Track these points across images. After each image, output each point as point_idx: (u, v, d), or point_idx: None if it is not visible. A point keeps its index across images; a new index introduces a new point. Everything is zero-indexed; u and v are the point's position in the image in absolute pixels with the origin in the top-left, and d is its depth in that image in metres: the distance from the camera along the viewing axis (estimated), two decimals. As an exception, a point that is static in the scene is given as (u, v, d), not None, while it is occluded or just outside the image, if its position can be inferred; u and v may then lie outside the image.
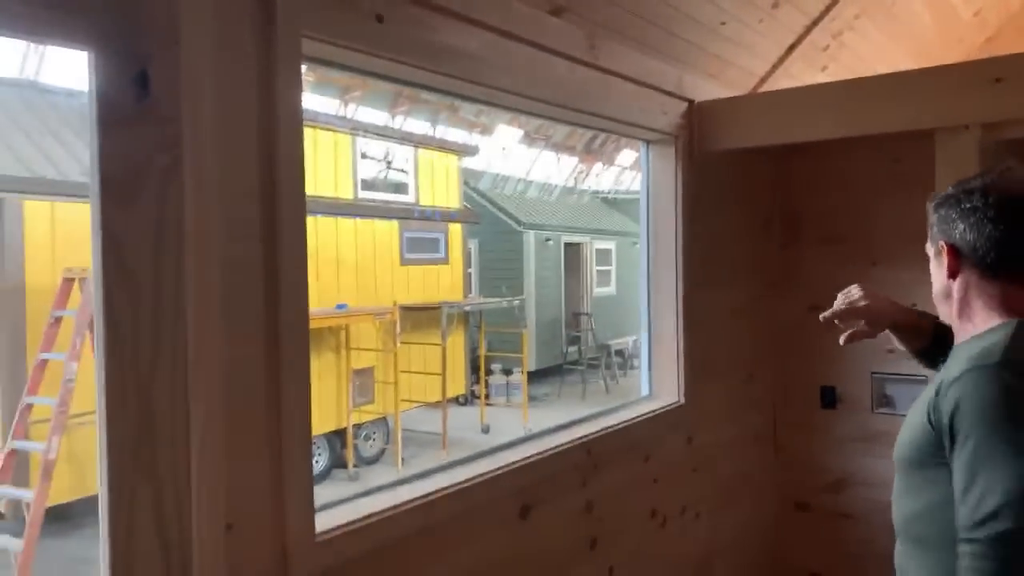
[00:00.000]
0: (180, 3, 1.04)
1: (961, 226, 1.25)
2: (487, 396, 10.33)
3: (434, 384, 8.61)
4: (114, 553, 1.04)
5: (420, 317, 8.71)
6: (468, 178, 12.59)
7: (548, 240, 13.11)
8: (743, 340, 2.82)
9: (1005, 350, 1.14)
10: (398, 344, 8.00)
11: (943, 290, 1.31)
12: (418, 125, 15.50)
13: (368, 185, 8.59)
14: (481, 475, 1.63)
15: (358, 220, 8.21)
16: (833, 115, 2.28)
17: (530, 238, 12.66)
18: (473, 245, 12.37)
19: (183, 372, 1.06)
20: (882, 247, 2.82)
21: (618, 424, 2.15)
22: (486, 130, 17.40)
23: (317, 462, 7.67)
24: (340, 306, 7.52)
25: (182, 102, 1.04)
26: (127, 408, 1.03)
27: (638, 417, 2.26)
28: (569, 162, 20.28)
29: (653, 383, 2.49)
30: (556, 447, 1.87)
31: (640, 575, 2.22)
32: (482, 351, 10.15)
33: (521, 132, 18.23)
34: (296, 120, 1.24)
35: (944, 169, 2.20)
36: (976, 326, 1.25)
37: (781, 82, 2.80)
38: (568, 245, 13.76)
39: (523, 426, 9.09)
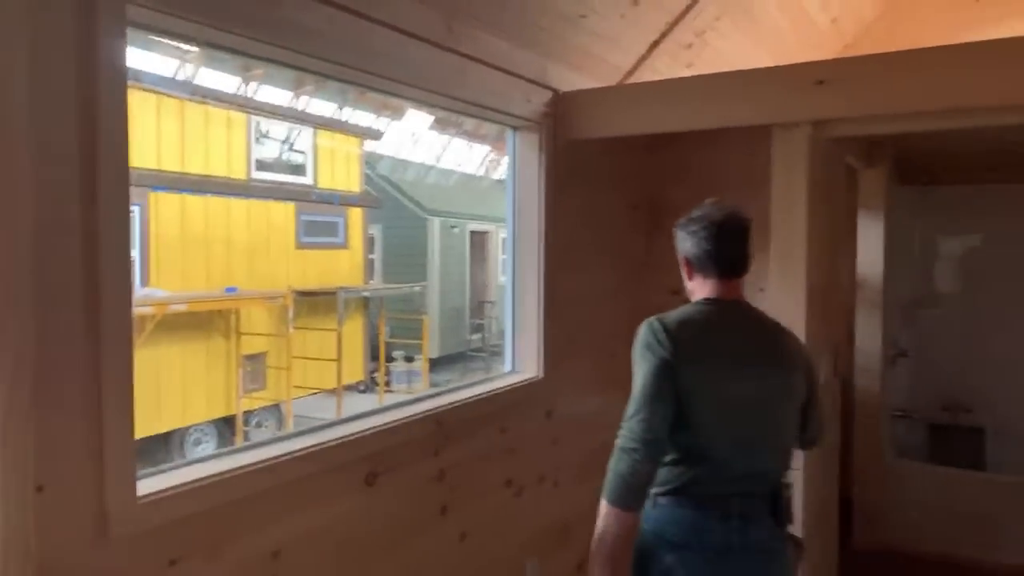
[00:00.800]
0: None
1: (688, 244, 1.73)
2: (388, 383, 10.30)
3: (330, 370, 8.53)
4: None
5: (316, 302, 8.58)
6: (374, 162, 12.46)
7: (453, 227, 13.15)
8: (607, 320, 2.96)
9: (670, 312, 1.66)
10: (291, 329, 7.87)
11: (686, 288, 1.79)
12: (324, 106, 15.16)
13: (264, 166, 8.38)
14: (322, 443, 1.68)
15: (252, 201, 8.00)
16: (686, 109, 2.43)
17: (435, 225, 12.65)
18: (376, 231, 12.25)
19: (-15, 331, 1.06)
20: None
21: (472, 397, 2.23)
22: (396, 113, 17.20)
23: (203, 449, 7.46)
24: (230, 289, 7.33)
25: (-16, 58, 1.03)
26: (-79, 365, 1.02)
27: (496, 390, 2.35)
28: (480, 150, 20.35)
29: (515, 359, 2.59)
30: (405, 418, 1.94)
31: (494, 540, 2.32)
32: (382, 337, 10.10)
33: (432, 118, 18.13)
34: (119, 84, 1.24)
35: (780, 162, 2.40)
36: None
37: (646, 77, 2.94)
38: (474, 233, 13.84)
39: (421, 412, 9.12)
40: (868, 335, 3.76)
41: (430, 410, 2.03)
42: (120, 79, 1.24)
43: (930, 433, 4.18)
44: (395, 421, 1.90)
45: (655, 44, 2.81)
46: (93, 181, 1.21)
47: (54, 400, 1.18)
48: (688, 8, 2.74)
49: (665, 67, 3.00)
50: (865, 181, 3.72)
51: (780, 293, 2.40)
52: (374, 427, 1.83)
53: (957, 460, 3.91)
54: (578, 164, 2.73)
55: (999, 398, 3.82)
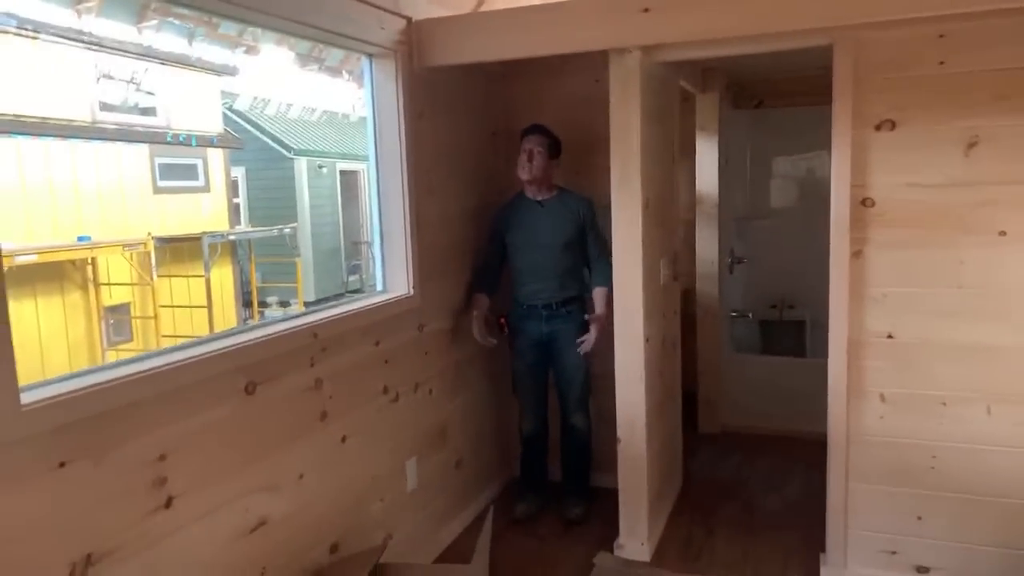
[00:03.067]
0: None
1: None
2: (263, 328, 10.14)
3: (201, 317, 8.32)
4: None
5: (180, 248, 8.28)
6: (231, 100, 11.87)
7: (321, 167, 12.85)
8: (471, 241, 3.16)
9: None
10: (155, 277, 7.58)
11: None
12: (172, 41, 14.13)
13: (111, 108, 7.85)
14: (202, 354, 1.79)
15: (99, 145, 7.51)
16: (531, 36, 2.61)
17: (302, 165, 12.32)
18: (240, 173, 11.79)
19: None
20: (588, 158, 3.29)
21: (346, 312, 2.39)
22: (251, 50, 16.28)
23: (70, 406, 7.16)
24: (82, 238, 6.94)
25: None
26: None
27: (368, 306, 2.51)
28: (345, 86, 19.68)
29: (386, 279, 2.76)
30: (280, 331, 2.07)
31: (374, 442, 2.52)
32: (254, 282, 9.90)
33: (293, 54, 17.28)
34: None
35: (616, 85, 2.64)
36: None
37: (498, 3, 3.09)
38: (344, 173, 13.58)
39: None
40: (707, 245, 4.19)
41: (306, 324, 2.18)
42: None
43: (761, 329, 4.75)
44: (272, 334, 2.03)
45: (504, -28, 2.95)
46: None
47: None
48: (534, -63, 2.88)
49: (514, -4, 3.14)
50: (701, 105, 4.08)
51: (619, 205, 2.68)
52: (251, 339, 1.96)
53: (783, 351, 4.49)
54: (437, 93, 2.87)
55: (816, 295, 4.39)
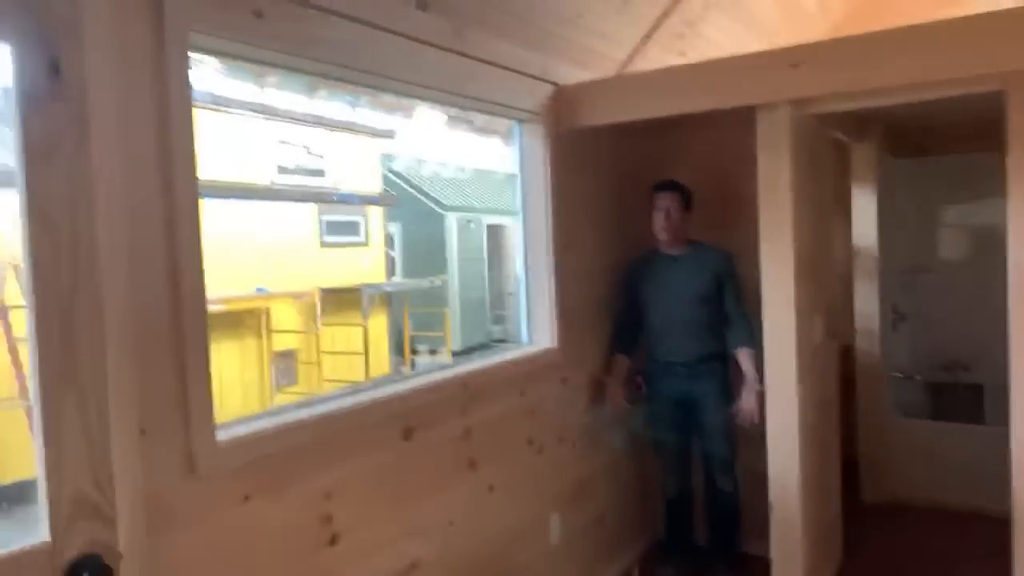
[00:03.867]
0: (83, 3, 1.29)
1: None
2: (412, 375, 10.60)
3: (358, 364, 8.84)
4: (47, 447, 1.29)
5: (341, 299, 8.90)
6: (388, 161, 12.74)
7: (470, 222, 13.41)
8: (612, 295, 3.19)
9: None
10: (319, 326, 8.18)
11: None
12: (338, 108, 15.49)
13: (286, 170, 8.69)
14: (364, 402, 1.94)
15: (275, 204, 8.31)
16: (674, 95, 2.66)
17: (452, 220, 12.92)
18: (396, 228, 12.56)
19: (98, 299, 1.32)
20: (734, 212, 3.25)
21: (494, 363, 2.49)
22: (408, 113, 17.49)
23: (242, 443, 7.79)
24: (260, 289, 7.65)
25: (88, 84, 1.30)
26: (52, 331, 1.28)
27: (514, 359, 2.60)
28: (492, 143, 20.59)
29: (531, 332, 2.84)
30: (434, 381, 2.19)
31: (520, 493, 2.58)
32: (406, 331, 10.41)
33: (444, 116, 18.39)
34: (185, 97, 1.50)
35: (764, 139, 2.62)
36: None
37: (641, 66, 3.17)
38: (491, 227, 14.09)
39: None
40: (866, 301, 3.96)
41: (457, 374, 2.29)
42: (185, 91, 1.50)
43: (931, 392, 4.36)
44: (426, 384, 2.16)
45: (648, 36, 3.04)
46: (169, 174, 1.48)
47: (150, 356, 1.44)
48: (677, 1, 2.95)
49: (658, 56, 3.22)
50: (856, 155, 3.91)
51: (768, 259, 2.62)
52: (408, 388, 2.09)
53: (958, 416, 4.10)
54: (580, 151, 2.97)
55: (995, 355, 3.99)
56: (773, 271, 2.64)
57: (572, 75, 2.85)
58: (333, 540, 1.84)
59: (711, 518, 3.15)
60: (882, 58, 2.26)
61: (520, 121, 2.77)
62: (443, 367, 2.39)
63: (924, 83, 2.26)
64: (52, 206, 1.26)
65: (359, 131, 10.16)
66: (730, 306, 3.00)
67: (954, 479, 3.77)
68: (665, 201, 3.01)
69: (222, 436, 1.60)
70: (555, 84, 2.77)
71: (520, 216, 2.85)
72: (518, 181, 2.84)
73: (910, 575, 3.20)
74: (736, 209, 3.24)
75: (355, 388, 2.04)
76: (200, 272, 1.54)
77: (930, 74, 2.21)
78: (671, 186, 3.04)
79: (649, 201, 3.07)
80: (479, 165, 14.74)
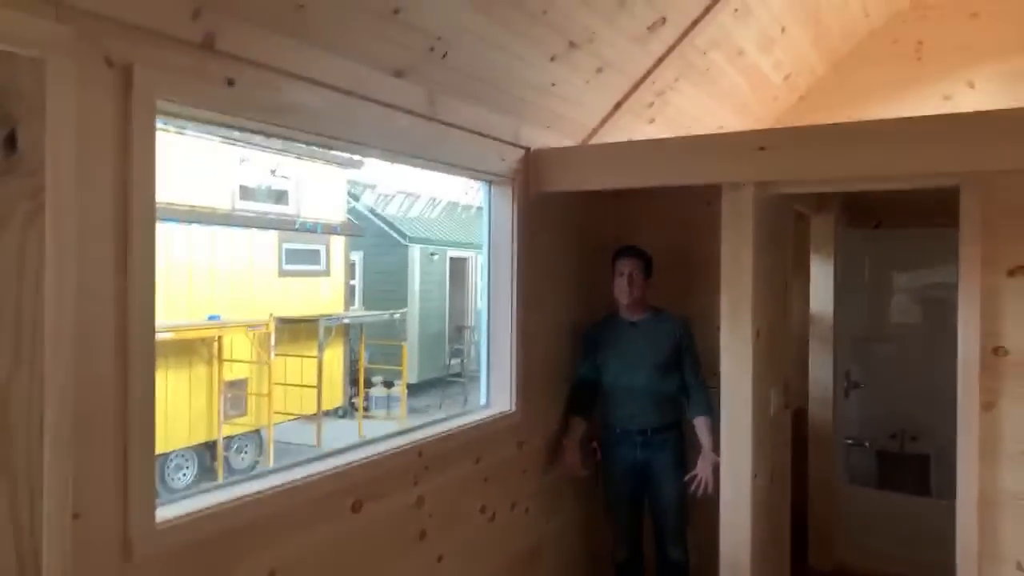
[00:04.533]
0: (47, 75, 1.25)
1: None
2: (367, 408, 10.43)
3: (311, 396, 8.66)
4: (-30, 537, 1.22)
5: (297, 329, 8.74)
6: (355, 190, 12.67)
7: (433, 255, 13.36)
8: (572, 356, 3.19)
9: None
10: (272, 356, 8.01)
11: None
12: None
13: (247, 194, 8.55)
14: (314, 474, 1.88)
15: (235, 231, 8.17)
16: (643, 168, 2.69)
17: (415, 252, 12.86)
18: (357, 258, 12.44)
19: (39, 382, 1.26)
20: (695, 278, 3.29)
21: (450, 430, 2.45)
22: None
23: (184, 474, 7.55)
24: (212, 317, 7.47)
25: (46, 158, 1.25)
26: (-14, 413, 1.21)
27: (471, 423, 2.57)
28: (459, 179, 20.60)
29: (490, 394, 2.81)
30: (388, 450, 2.14)
31: (470, 562, 2.52)
32: (362, 363, 10.25)
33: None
34: (149, 170, 1.46)
35: (728, 216, 2.66)
36: None
37: (611, 132, 3.21)
38: (454, 259, 14.06)
39: (400, 437, 9.25)
40: (821, 368, 4.02)
41: (412, 442, 2.25)
42: (149, 164, 1.46)
43: (880, 460, 4.44)
44: (380, 453, 2.11)
45: (618, 105, 3.08)
46: (125, 252, 1.42)
47: (89, 438, 1.38)
48: (648, 73, 3.01)
49: (628, 123, 3.26)
50: (816, 225, 4.01)
51: (729, 335, 2.65)
52: (361, 459, 2.04)
53: (904, 485, 4.17)
54: (548, 212, 2.98)
55: (942, 427, 4.09)
56: (733, 346, 2.67)
57: (543, 139, 2.87)
58: (274, 621, 1.77)
59: None
60: (846, 149, 2.33)
61: (490, 183, 2.77)
62: (399, 434, 2.34)
63: (884, 176, 2.33)
64: (-4, 284, 1.21)
65: (324, 159, 10.08)
66: (688, 374, 3.01)
67: (900, 549, 3.82)
68: (627, 266, 3.02)
69: (162, 516, 1.53)
70: (526, 148, 2.79)
71: (485, 278, 2.83)
72: (484, 242, 2.83)
73: (854, 649, 3.21)
74: (698, 275, 3.29)
75: (305, 459, 1.98)
76: (151, 355, 1.48)
77: (890, 169, 2.28)
78: (633, 252, 3.07)
79: (610, 266, 3.09)
80: (450, 198, 14.75)
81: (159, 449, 7.64)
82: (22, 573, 1.25)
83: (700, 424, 2.95)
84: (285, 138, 1.88)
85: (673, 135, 3.64)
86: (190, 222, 7.48)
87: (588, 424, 3.11)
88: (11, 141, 1.21)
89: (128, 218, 1.43)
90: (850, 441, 4.29)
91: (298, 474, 1.87)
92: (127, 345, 1.43)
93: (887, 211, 4.30)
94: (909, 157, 2.25)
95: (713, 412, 2.86)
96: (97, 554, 1.40)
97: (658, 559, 3.09)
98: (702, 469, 2.89)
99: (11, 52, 1.21)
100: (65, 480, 1.32)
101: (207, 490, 1.72)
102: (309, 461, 1.98)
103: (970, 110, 3.54)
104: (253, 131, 1.80)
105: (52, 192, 1.26)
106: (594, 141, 3.17)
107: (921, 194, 3.91)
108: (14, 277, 1.22)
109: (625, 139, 3.32)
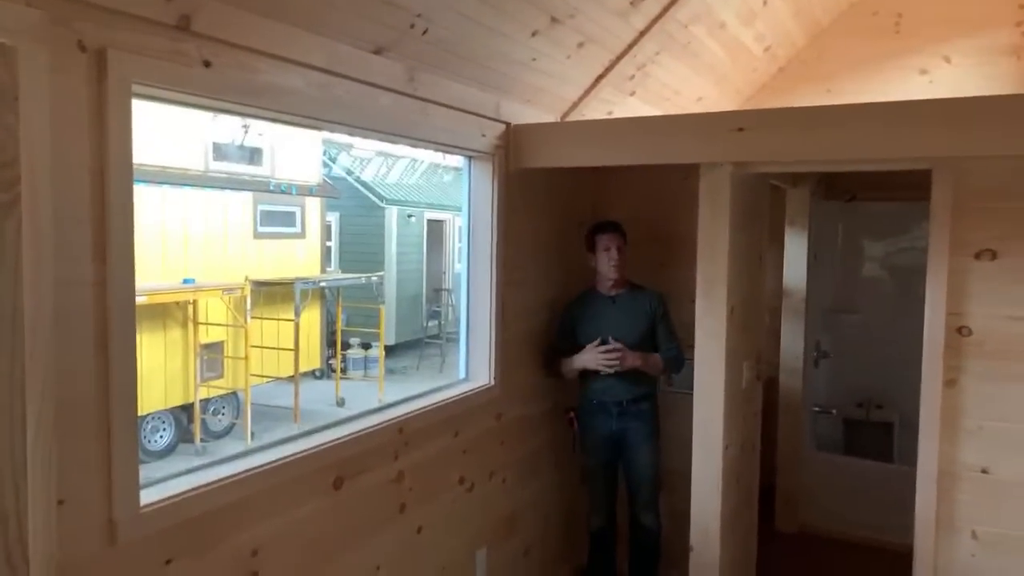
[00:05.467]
0: (19, 63, 1.22)
1: None
2: (344, 370, 10.45)
3: (288, 358, 8.66)
4: (-45, 526, 1.23)
5: (273, 292, 8.68)
6: (331, 151, 12.48)
7: (411, 216, 13.27)
8: (550, 330, 3.22)
9: None
10: (248, 320, 7.97)
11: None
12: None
13: (221, 154, 8.38)
14: (295, 454, 1.91)
15: (208, 192, 8.04)
16: (623, 146, 2.70)
17: (392, 214, 12.76)
18: (333, 219, 12.31)
19: (20, 372, 1.26)
20: (671, 251, 3.33)
21: (430, 405, 2.48)
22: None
23: (162, 437, 7.56)
24: (187, 280, 7.39)
25: (21, 148, 1.23)
26: (-33, 405, 1.22)
27: (451, 398, 2.60)
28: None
29: (469, 367, 2.85)
30: (368, 428, 2.17)
31: (447, 533, 2.58)
32: (339, 326, 10.24)
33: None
34: (126, 155, 1.44)
35: (706, 195, 2.68)
36: None
37: (592, 104, 3.20)
38: (431, 222, 13.98)
39: (378, 398, 9.33)
40: (792, 338, 4.12)
41: (393, 419, 2.28)
42: (126, 149, 1.44)
43: (846, 427, 4.58)
44: (361, 431, 2.14)
45: (599, 78, 3.06)
46: (103, 240, 1.41)
47: (72, 425, 1.38)
48: (629, 47, 2.99)
49: (610, 96, 3.25)
50: (791, 198, 4.06)
51: (703, 312, 2.70)
52: (342, 436, 2.07)
53: (869, 452, 4.32)
54: (528, 187, 2.98)
55: (905, 396, 4.22)
56: (707, 322, 2.72)
57: (524, 114, 2.86)
58: (258, 596, 1.81)
59: (633, 553, 3.23)
60: (823, 132, 2.35)
61: (471, 158, 2.76)
62: (379, 409, 2.37)
63: (860, 159, 2.37)
64: (-26, 278, 1.20)
65: (301, 119, 9.90)
66: (662, 343, 3.08)
67: (863, 513, 3.98)
68: (612, 241, 3.05)
69: (146, 498, 1.55)
70: (507, 123, 2.77)
71: (465, 253, 2.84)
72: (464, 217, 2.83)
73: (816, 609, 3.36)
74: (674, 249, 3.33)
75: (289, 437, 2.01)
76: (131, 341, 1.48)
77: (866, 152, 2.31)
78: (614, 227, 3.09)
79: (585, 242, 3.12)
80: (429, 158, 14.56)
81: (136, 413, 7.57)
82: (9, 559, 1.27)
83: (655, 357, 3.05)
84: (263, 118, 1.86)
85: (653, 108, 3.65)
86: (162, 183, 7.34)
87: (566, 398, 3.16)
88: (-15, 132, 1.18)
89: (106, 204, 1.41)
90: (818, 409, 4.42)
91: (279, 453, 1.90)
92: (107, 333, 1.43)
93: (862, 184, 4.36)
94: (884, 141, 2.28)
95: (672, 365, 3.06)
96: (83, 539, 1.42)
97: (631, 525, 3.19)
98: (632, 356, 2.96)
99: (-19, 39, 1.18)
100: (49, 467, 1.33)
101: (191, 471, 1.74)
102: (291, 439, 2.00)
103: (946, 84, 3.58)
104: (231, 112, 1.78)
105: (28, 183, 1.24)
106: (575, 114, 3.16)
107: (894, 171, 3.99)
108: (-8, 270, 1.21)
109: (606, 112, 3.31)
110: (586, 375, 3.11)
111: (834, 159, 2.39)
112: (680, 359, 3.06)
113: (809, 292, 4.09)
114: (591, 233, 3.11)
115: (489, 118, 2.67)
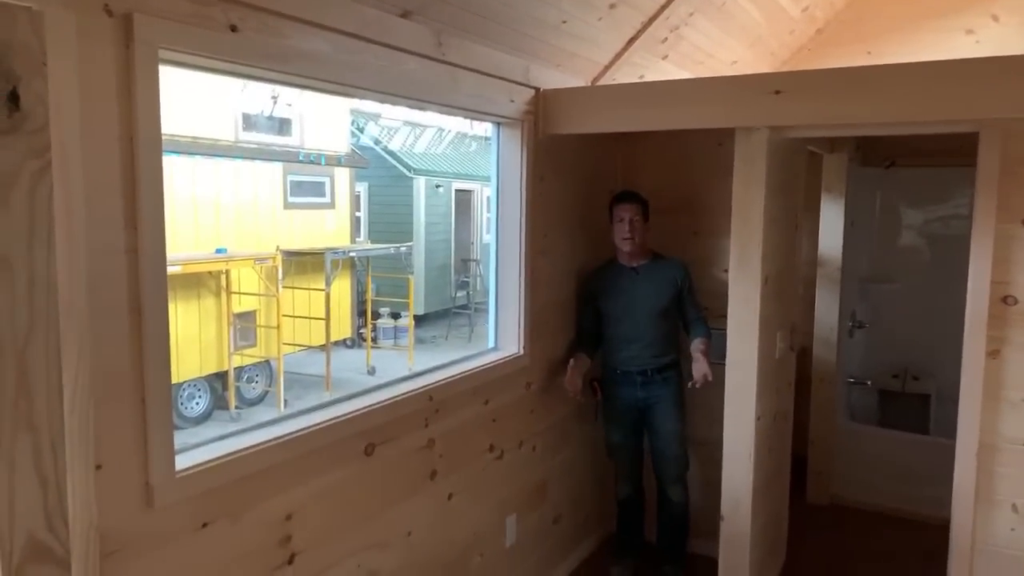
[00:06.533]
0: (46, 28, 1.21)
1: None
2: (375, 339, 10.54)
3: (319, 328, 8.74)
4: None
5: (304, 262, 8.75)
6: (359, 121, 12.46)
7: (438, 187, 13.23)
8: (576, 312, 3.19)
9: None
10: (280, 289, 8.05)
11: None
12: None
13: (250, 124, 8.41)
14: (327, 420, 1.92)
15: (239, 163, 8.08)
16: (655, 110, 2.63)
17: (420, 184, 12.73)
18: (362, 189, 12.33)
19: (56, 340, 1.27)
20: (703, 219, 3.27)
21: (460, 374, 2.48)
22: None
23: (197, 404, 7.72)
24: (219, 250, 7.48)
25: (50, 114, 1.22)
26: (6, 372, 1.23)
27: (481, 367, 2.60)
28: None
29: (498, 337, 2.84)
30: (399, 395, 2.18)
31: (477, 499, 2.60)
32: (369, 295, 10.30)
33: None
34: (155, 121, 1.43)
35: (741, 161, 2.61)
36: None
37: (624, 69, 3.12)
38: (459, 191, 13.93)
39: (408, 367, 9.40)
40: (827, 308, 4.04)
41: (423, 386, 2.28)
42: (155, 114, 1.43)
43: (881, 399, 4.51)
44: (392, 398, 2.15)
45: (631, 41, 2.98)
46: (134, 206, 1.42)
47: (109, 393, 1.40)
48: (662, 8, 2.90)
49: (641, 60, 3.17)
50: (828, 165, 3.95)
51: (736, 281, 2.65)
52: (374, 404, 2.08)
53: (904, 424, 4.25)
54: (558, 154, 2.94)
55: (943, 367, 4.14)
56: (740, 291, 2.67)
57: (554, 78, 2.80)
58: (291, 560, 1.84)
59: (661, 524, 3.22)
60: (862, 95, 2.27)
61: (499, 124, 2.72)
62: (410, 377, 2.38)
63: (903, 121, 2.28)
64: (10, 245, 1.20)
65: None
66: (689, 314, 3.04)
67: (896, 485, 3.92)
68: (628, 211, 2.98)
69: (181, 463, 1.57)
70: (536, 89, 2.72)
71: (493, 222, 2.81)
72: (493, 184, 2.80)
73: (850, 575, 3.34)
74: (706, 218, 3.27)
75: (321, 404, 2.02)
76: (164, 308, 1.49)
77: (909, 114, 2.22)
78: (632, 196, 3.03)
79: (608, 212, 3.06)
80: (456, 127, 14.47)
81: (172, 379, 7.72)
82: (50, 523, 1.30)
83: (699, 340, 2.94)
84: (290, 84, 1.84)
85: (686, 72, 3.56)
86: (192, 154, 7.39)
87: (591, 362, 3.10)
88: (14, 98, 1.18)
89: (136, 171, 1.41)
90: (852, 380, 4.34)
91: (313, 419, 1.91)
92: (140, 300, 1.44)
93: (902, 149, 4.22)
94: (928, 102, 2.20)
95: (710, 334, 2.97)
96: (121, 503, 1.45)
97: (659, 498, 3.18)
98: (698, 370, 2.84)
99: (7, 3, 1.17)
100: (86, 434, 1.35)
101: (226, 436, 1.76)
102: (323, 406, 2.02)
103: (993, 44, 3.43)
104: (257, 78, 1.76)
105: (58, 149, 1.24)
106: (606, 79, 3.09)
107: (937, 135, 3.86)
108: (25, 238, 1.21)
109: (638, 76, 3.24)
110: (610, 346, 3.07)
111: (876, 122, 2.30)
112: (708, 329, 3.02)
113: (845, 261, 3.99)
114: (612, 203, 3.06)
115: (518, 83, 2.62)
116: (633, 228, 2.96)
